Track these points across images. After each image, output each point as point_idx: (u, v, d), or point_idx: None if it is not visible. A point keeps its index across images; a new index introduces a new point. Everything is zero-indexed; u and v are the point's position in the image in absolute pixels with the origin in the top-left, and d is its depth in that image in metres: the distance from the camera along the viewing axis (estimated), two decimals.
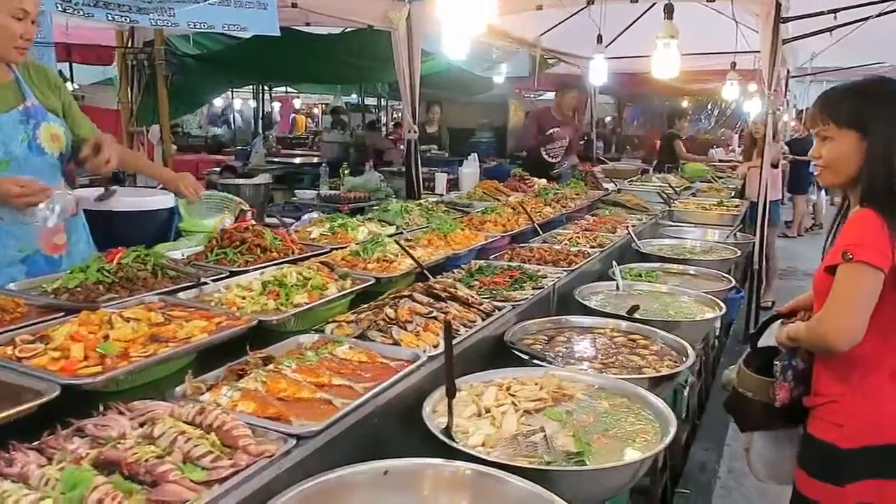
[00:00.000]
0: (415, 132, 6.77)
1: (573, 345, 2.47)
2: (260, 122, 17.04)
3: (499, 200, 4.69)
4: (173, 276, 2.31)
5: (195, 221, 3.29)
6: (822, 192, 13.12)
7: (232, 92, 17.06)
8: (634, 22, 9.16)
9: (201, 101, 10.27)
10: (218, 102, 20.18)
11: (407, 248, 2.69)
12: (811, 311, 2.17)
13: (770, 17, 5.14)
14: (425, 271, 2.70)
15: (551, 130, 7.14)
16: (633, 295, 3.18)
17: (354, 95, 17.74)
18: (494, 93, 11.30)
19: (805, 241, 11.89)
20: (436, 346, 2.05)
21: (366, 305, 2.30)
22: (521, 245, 3.60)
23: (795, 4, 5.41)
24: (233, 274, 2.45)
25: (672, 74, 4.70)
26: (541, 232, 3.94)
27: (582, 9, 8.14)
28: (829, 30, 5.21)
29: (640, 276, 3.57)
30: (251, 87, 16.60)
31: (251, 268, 2.53)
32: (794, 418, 2.13)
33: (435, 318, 2.21)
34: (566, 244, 3.76)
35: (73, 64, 10.34)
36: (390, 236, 3.38)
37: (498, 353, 2.30)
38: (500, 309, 2.49)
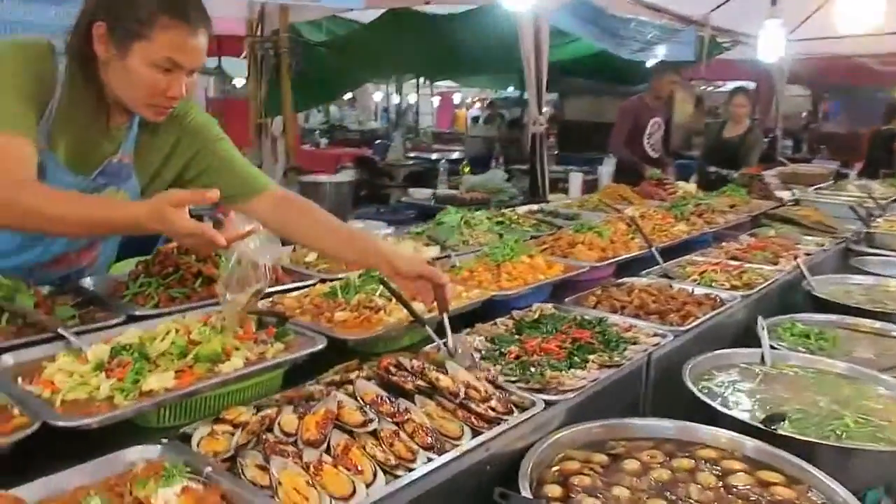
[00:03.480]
0: (541, 125, 5.76)
1: (646, 485, 1.39)
2: (411, 116, 16.80)
3: (618, 211, 3.57)
4: (31, 323, 1.57)
5: None
6: None
7: (387, 85, 16.94)
8: None
9: (332, 92, 9.91)
10: (377, 97, 20.34)
11: (395, 289, 1.74)
12: None
13: None
14: (428, 329, 1.75)
15: (652, 121, 6.03)
16: (787, 376, 1.99)
17: (511, 88, 16.90)
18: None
19: None
20: (346, 500, 1.11)
21: (278, 395, 1.41)
22: (618, 283, 2.49)
23: None
24: (131, 319, 1.67)
25: (869, 26, 3.25)
26: (661, 261, 2.79)
27: None
28: None
29: (809, 337, 2.33)
30: (412, 81, 16.43)
31: (172, 310, 1.74)
32: None
33: (374, 434, 1.26)
34: (693, 282, 2.60)
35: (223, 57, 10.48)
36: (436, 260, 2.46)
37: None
38: (523, 408, 1.48)
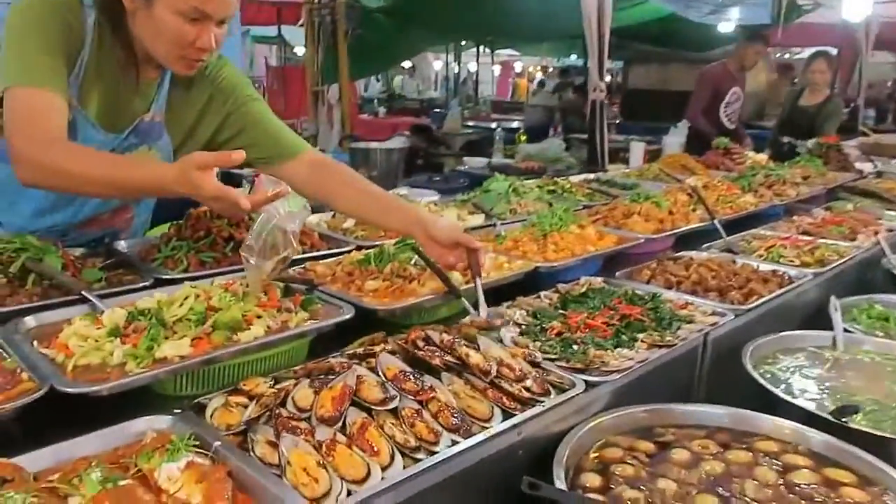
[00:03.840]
0: (601, 91, 5.51)
1: (696, 478, 1.26)
2: (471, 85, 16.56)
3: (679, 181, 3.36)
4: (57, 284, 1.54)
5: None
6: None
7: (447, 54, 16.71)
8: None
9: (390, 60, 9.79)
10: (437, 66, 20.12)
11: (429, 259, 1.64)
12: None
13: None
14: (463, 301, 1.64)
15: (731, 91, 5.70)
16: (862, 363, 1.81)
17: (574, 56, 16.40)
18: (729, 48, 9.35)
19: None
20: (360, 483, 1.03)
21: (298, 367, 1.33)
22: (676, 256, 2.32)
23: None
24: (159, 283, 1.63)
25: None
26: (724, 234, 2.60)
27: None
28: None
29: (888, 320, 2.13)
30: (473, 49, 16.19)
31: (200, 274, 1.69)
32: None
33: (395, 412, 1.17)
34: (759, 257, 2.40)
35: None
36: (475, 229, 2.35)
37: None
38: (561, 389, 1.36)
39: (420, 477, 1.07)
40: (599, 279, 2.04)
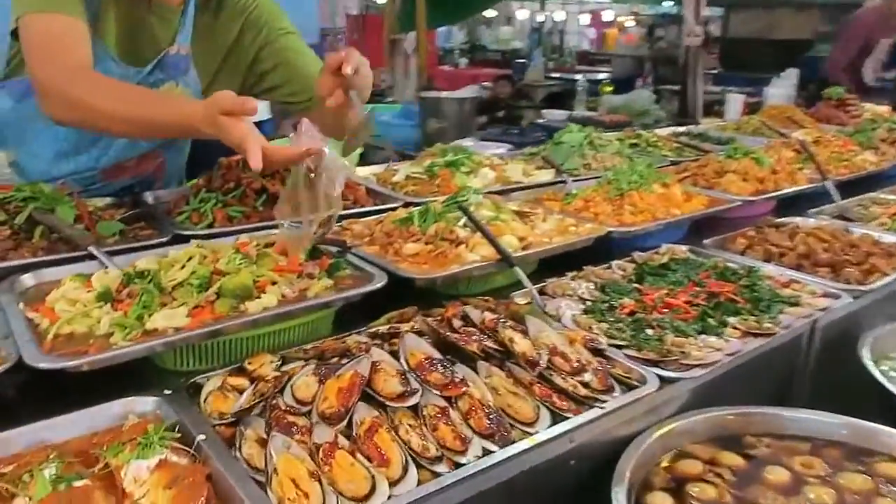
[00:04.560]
0: (696, 36, 5.01)
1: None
2: (556, 34, 15.88)
3: (783, 136, 2.95)
4: (66, 238, 1.39)
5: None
6: None
7: (531, 2, 16.03)
8: None
9: (472, 7, 9.38)
10: (523, 15, 19.38)
11: (477, 220, 1.40)
12: None
13: None
14: (517, 271, 1.39)
15: (882, 42, 5.00)
16: None
17: (667, 3, 15.37)
18: None
19: None
20: (360, 502, 0.82)
21: (309, 346, 1.13)
22: (776, 223, 1.97)
23: None
24: (178, 240, 1.46)
25: None
26: (837, 197, 2.22)
27: None
28: None
29: None
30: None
31: (224, 230, 1.52)
32: None
33: (415, 409, 0.95)
34: (881, 226, 2.02)
35: None
36: (541, 186, 2.09)
37: None
38: (628, 386, 1.11)
39: (439, 496, 0.85)
40: (684, 248, 1.75)
